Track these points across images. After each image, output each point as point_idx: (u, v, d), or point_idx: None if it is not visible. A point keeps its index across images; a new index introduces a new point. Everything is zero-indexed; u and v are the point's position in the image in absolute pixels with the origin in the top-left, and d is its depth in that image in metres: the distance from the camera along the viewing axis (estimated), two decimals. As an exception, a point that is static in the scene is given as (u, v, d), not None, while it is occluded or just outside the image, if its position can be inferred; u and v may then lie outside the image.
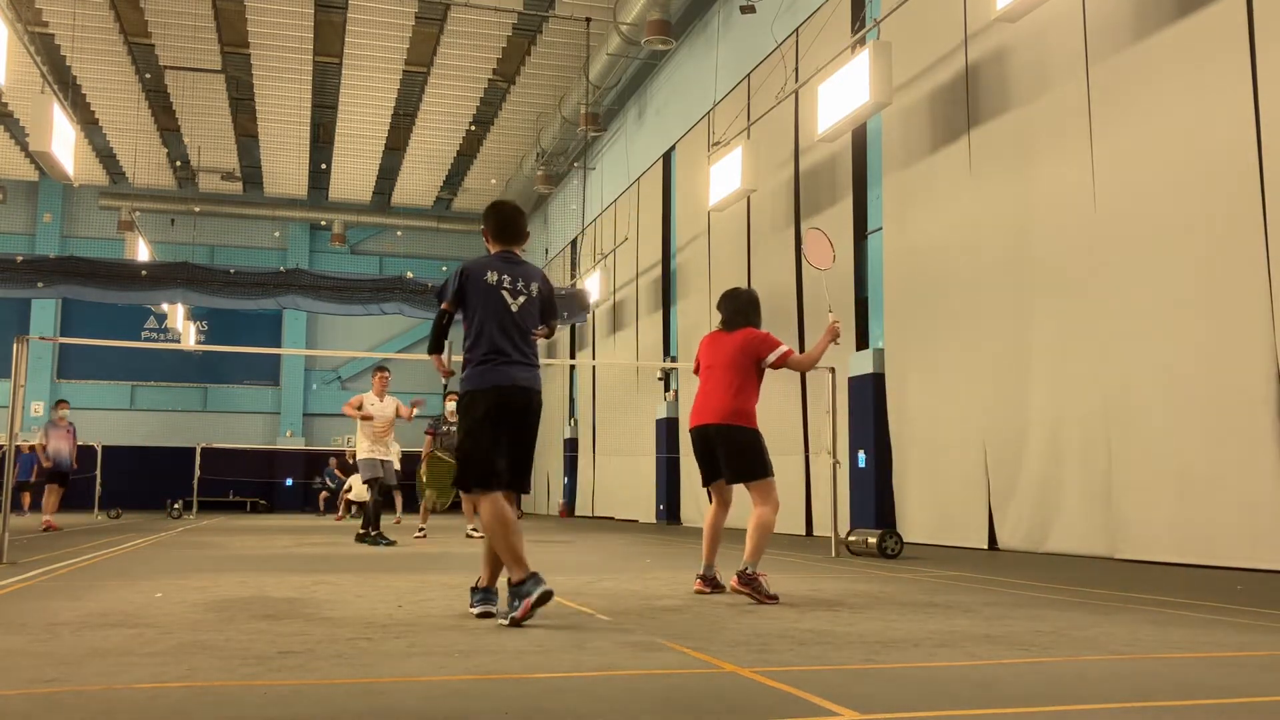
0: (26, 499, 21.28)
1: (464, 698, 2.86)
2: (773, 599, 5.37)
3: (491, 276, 4.73)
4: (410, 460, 15.27)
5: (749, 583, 5.44)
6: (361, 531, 11.05)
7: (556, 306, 5.01)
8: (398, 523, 18.24)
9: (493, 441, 4.59)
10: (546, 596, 4.34)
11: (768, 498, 5.73)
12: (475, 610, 4.63)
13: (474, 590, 4.73)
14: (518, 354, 4.69)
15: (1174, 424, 8.26)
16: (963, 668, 3.39)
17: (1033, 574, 7.32)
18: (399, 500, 16.85)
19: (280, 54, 20.42)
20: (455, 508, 14.48)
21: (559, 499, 26.27)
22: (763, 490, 5.74)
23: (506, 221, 4.96)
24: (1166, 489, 8.27)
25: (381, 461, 11.23)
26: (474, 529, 12.29)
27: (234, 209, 29.10)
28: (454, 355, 4.87)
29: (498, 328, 4.67)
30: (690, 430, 5.92)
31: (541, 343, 5.07)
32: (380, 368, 11.59)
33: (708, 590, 5.84)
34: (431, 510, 13.38)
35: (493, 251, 4.93)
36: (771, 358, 5.74)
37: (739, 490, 5.94)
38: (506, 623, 4.31)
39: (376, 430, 11.17)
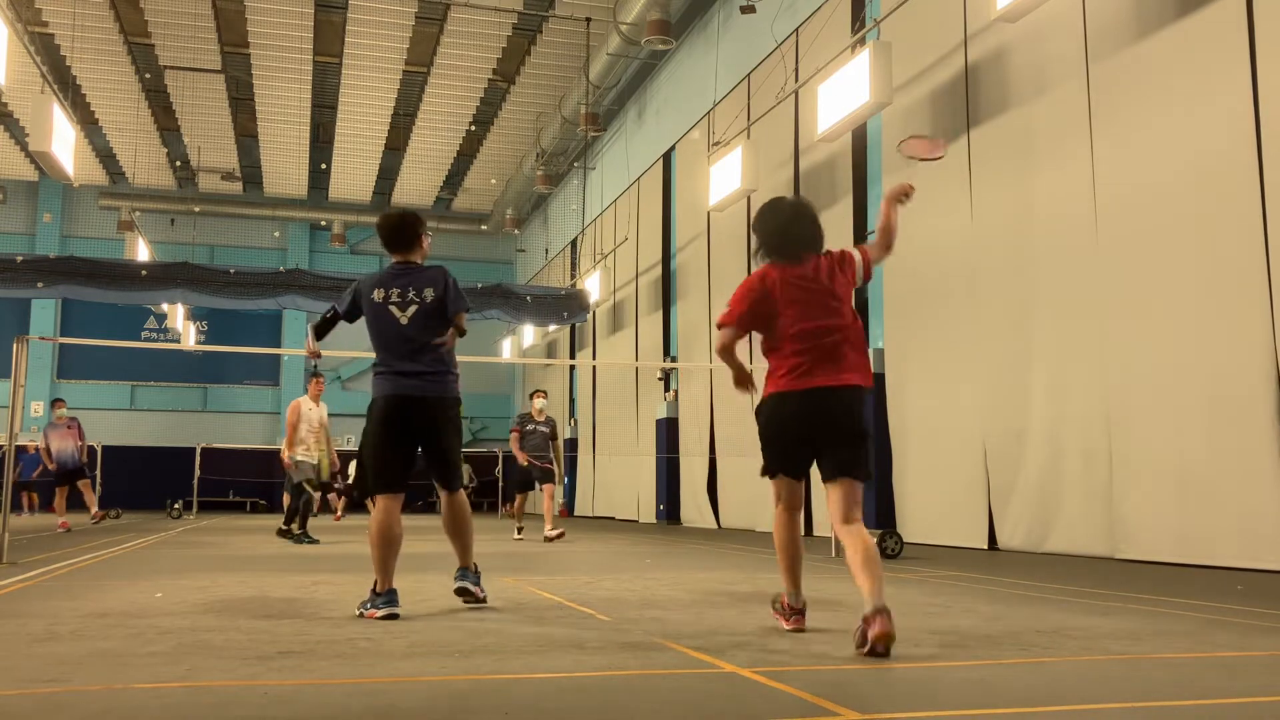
0: (34, 499, 21.30)
1: (464, 698, 2.86)
2: None
3: (379, 294, 4.83)
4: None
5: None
6: (284, 528, 11.37)
7: (460, 303, 4.88)
8: (338, 519, 18.43)
9: (380, 447, 4.79)
10: (392, 617, 4.55)
11: (859, 503, 4.21)
12: (454, 585, 4.93)
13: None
14: (408, 365, 4.77)
15: (1174, 424, 8.26)
16: (963, 668, 3.39)
17: (1033, 574, 7.32)
18: (335, 500, 17.45)
19: (280, 54, 20.41)
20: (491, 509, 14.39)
21: (559, 499, 26.26)
22: (858, 494, 4.21)
23: (390, 233, 4.97)
24: (1166, 489, 8.27)
25: (313, 464, 11.47)
26: (553, 531, 12.16)
27: (234, 209, 29.11)
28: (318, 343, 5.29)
29: (386, 343, 4.81)
30: (798, 394, 4.03)
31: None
32: (316, 373, 12.01)
33: (803, 626, 4.20)
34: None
35: (391, 262, 5.00)
36: (861, 272, 4.27)
37: None
38: (384, 613, 4.59)
39: (313, 428, 11.45)
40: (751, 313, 4.14)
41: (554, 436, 12.49)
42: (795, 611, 4.19)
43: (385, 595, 4.64)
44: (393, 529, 4.76)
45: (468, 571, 4.92)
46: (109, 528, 15.53)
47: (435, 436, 4.82)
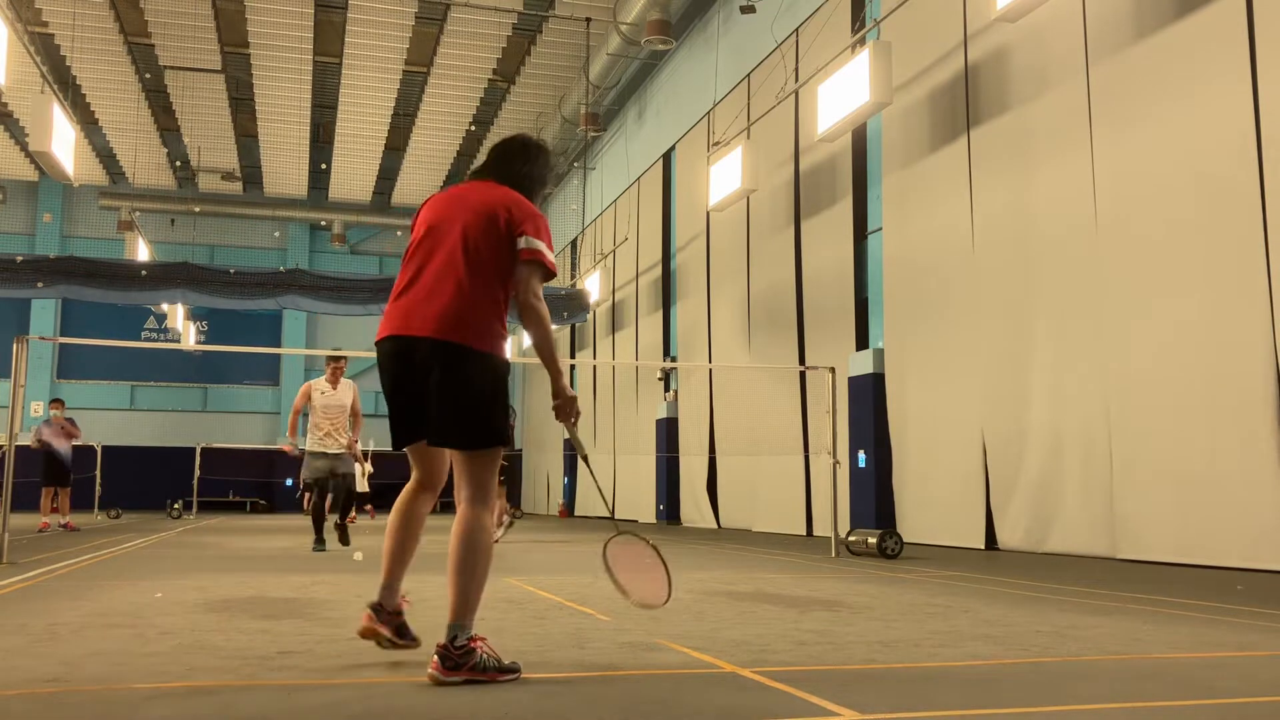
0: None
1: (464, 697, 2.86)
2: None
3: None
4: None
5: None
6: (341, 526, 10.02)
7: None
8: (352, 521, 15.78)
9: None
10: None
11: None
12: None
13: None
14: None
15: (1174, 424, 8.26)
16: (963, 668, 3.39)
17: (1033, 574, 7.32)
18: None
19: (280, 54, 20.41)
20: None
21: (559, 499, 26.27)
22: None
23: None
24: (1166, 489, 8.27)
25: (328, 455, 9.76)
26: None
27: (234, 209, 29.09)
28: None
29: None
30: None
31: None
32: (334, 356, 10.17)
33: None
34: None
35: None
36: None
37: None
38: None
39: (328, 414, 9.83)
40: None
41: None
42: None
43: None
44: None
45: None
46: (109, 527, 15.53)
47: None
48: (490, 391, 3.20)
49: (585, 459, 3.67)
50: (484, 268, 3.22)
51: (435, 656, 3.05)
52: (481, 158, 3.65)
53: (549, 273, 3.32)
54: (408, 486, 3.41)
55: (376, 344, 3.34)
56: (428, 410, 3.18)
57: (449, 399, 3.14)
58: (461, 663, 3.03)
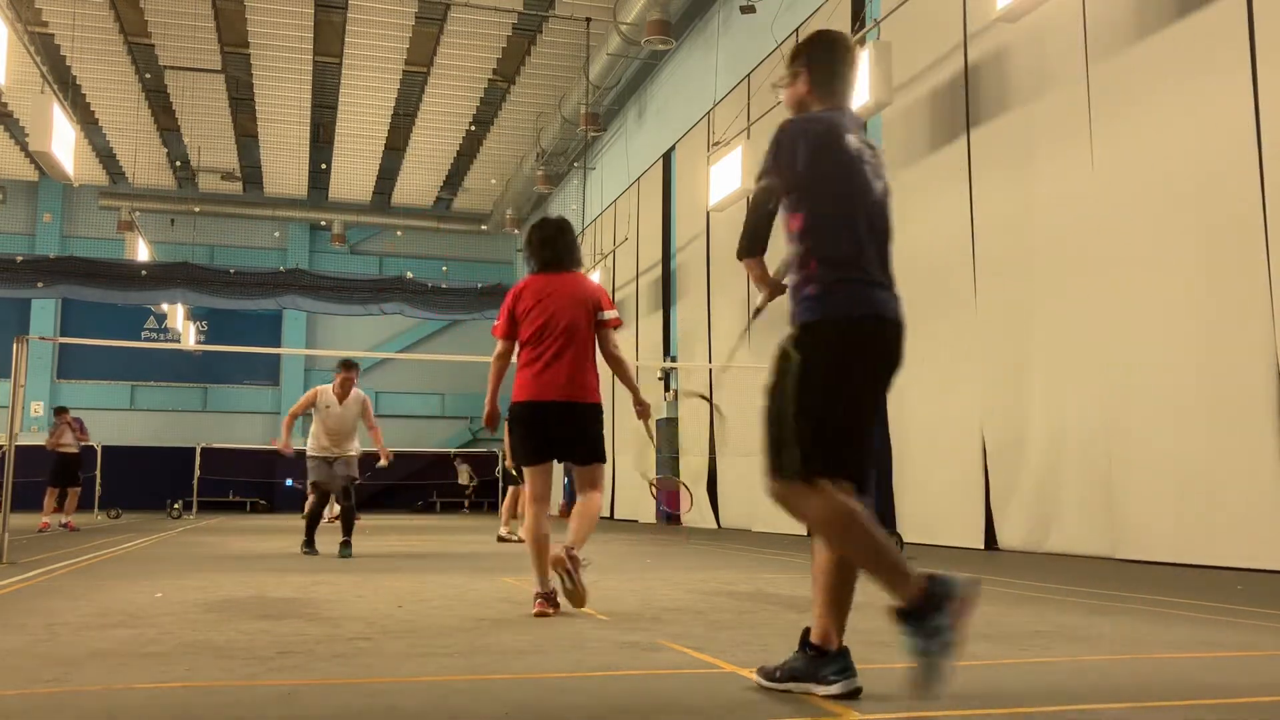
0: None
1: (464, 697, 2.86)
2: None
3: (852, 140, 2.94)
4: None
5: None
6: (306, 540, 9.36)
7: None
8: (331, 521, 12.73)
9: (853, 396, 2.85)
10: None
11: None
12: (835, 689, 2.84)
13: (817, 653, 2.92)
14: (881, 271, 2.91)
15: (1174, 424, 8.26)
16: (963, 668, 3.39)
17: (1033, 574, 7.32)
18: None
19: (280, 54, 20.42)
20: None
21: (559, 499, 26.25)
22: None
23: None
24: (1166, 489, 8.27)
25: (328, 460, 9.20)
26: (510, 532, 11.18)
27: (234, 209, 29.08)
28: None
29: (858, 221, 2.86)
30: None
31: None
32: (345, 365, 9.30)
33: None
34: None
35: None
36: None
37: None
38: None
39: (329, 429, 9.18)
40: None
41: None
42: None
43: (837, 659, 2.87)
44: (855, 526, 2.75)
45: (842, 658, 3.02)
46: (109, 527, 15.53)
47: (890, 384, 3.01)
48: (603, 428, 5.21)
49: (651, 435, 6.39)
50: (589, 343, 5.11)
51: (566, 558, 4.67)
52: (528, 231, 5.51)
53: (618, 328, 5.28)
54: (534, 512, 4.91)
55: (519, 403, 4.96)
56: (570, 443, 5.03)
57: (592, 434, 5.09)
58: (578, 564, 4.71)
